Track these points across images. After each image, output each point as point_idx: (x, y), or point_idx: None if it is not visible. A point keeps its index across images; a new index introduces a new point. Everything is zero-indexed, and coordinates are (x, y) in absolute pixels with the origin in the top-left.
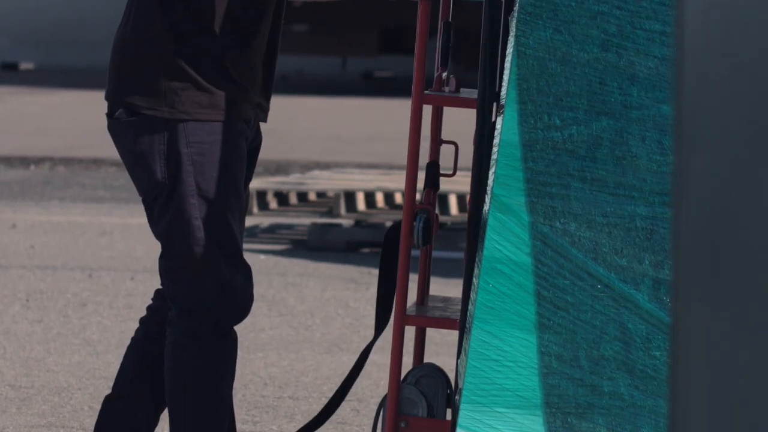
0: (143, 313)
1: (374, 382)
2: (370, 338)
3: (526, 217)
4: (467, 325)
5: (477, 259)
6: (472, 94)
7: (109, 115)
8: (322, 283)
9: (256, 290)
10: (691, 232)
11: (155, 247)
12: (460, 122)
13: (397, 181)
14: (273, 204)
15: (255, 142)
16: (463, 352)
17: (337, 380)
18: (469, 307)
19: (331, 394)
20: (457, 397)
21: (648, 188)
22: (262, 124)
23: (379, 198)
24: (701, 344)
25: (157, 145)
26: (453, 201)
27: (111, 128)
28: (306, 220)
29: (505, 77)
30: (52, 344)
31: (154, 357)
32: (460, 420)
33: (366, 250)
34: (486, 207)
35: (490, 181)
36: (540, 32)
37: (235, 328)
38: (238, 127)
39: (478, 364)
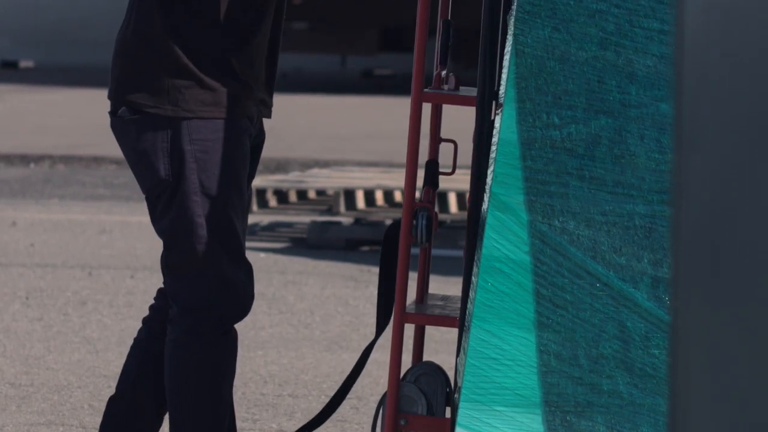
0: (143, 311)
1: (374, 380)
2: (370, 336)
3: (525, 215)
4: (466, 324)
5: (476, 258)
6: (471, 92)
7: (112, 113)
8: (322, 281)
9: (256, 288)
10: (690, 230)
11: (155, 245)
12: (460, 120)
13: (396, 179)
14: (273, 202)
15: (258, 138)
16: (462, 350)
17: (336, 378)
18: (468, 306)
19: (330, 392)
20: (456, 395)
21: (647, 186)
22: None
23: (379, 196)
24: (701, 342)
25: (160, 143)
26: (453, 199)
27: (114, 126)
28: (306, 218)
29: (504, 76)
30: (52, 342)
31: (157, 357)
32: (460, 418)
33: (366, 248)
34: (485, 205)
35: (488, 180)
36: (538, 31)
37: (235, 326)
38: (242, 125)
39: (478, 363)
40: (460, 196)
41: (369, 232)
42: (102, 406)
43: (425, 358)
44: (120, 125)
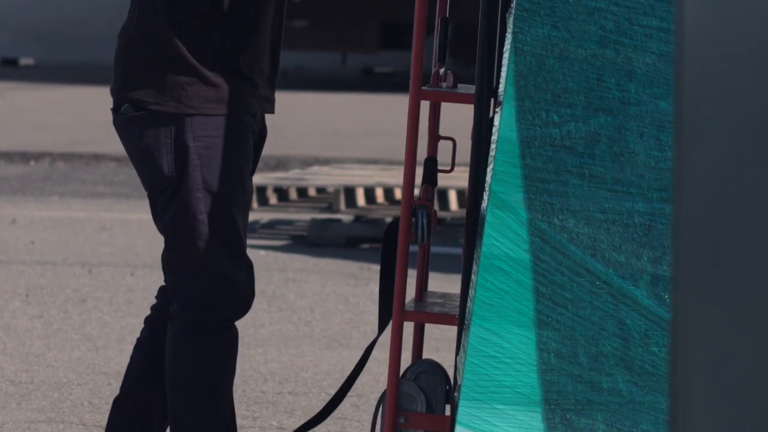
0: (143, 308)
1: (374, 378)
2: (370, 334)
3: (525, 213)
4: (466, 322)
5: (475, 256)
6: (469, 89)
7: (115, 110)
8: (322, 279)
9: (256, 286)
10: (690, 228)
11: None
12: (458, 118)
13: (396, 177)
14: (273, 199)
15: (260, 135)
16: (461, 348)
17: (336, 375)
18: (467, 304)
19: (331, 390)
20: (456, 393)
21: (646, 184)
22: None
23: (379, 193)
24: (701, 340)
25: (163, 140)
26: (453, 196)
27: (117, 123)
28: (306, 216)
29: (503, 74)
30: (52, 340)
31: (160, 355)
32: (459, 416)
33: (366, 245)
34: (484, 204)
35: (488, 178)
36: (537, 29)
37: (236, 323)
38: (245, 121)
39: (477, 361)
40: (460, 193)
41: (369, 229)
42: (102, 403)
43: (425, 355)
44: (123, 122)
